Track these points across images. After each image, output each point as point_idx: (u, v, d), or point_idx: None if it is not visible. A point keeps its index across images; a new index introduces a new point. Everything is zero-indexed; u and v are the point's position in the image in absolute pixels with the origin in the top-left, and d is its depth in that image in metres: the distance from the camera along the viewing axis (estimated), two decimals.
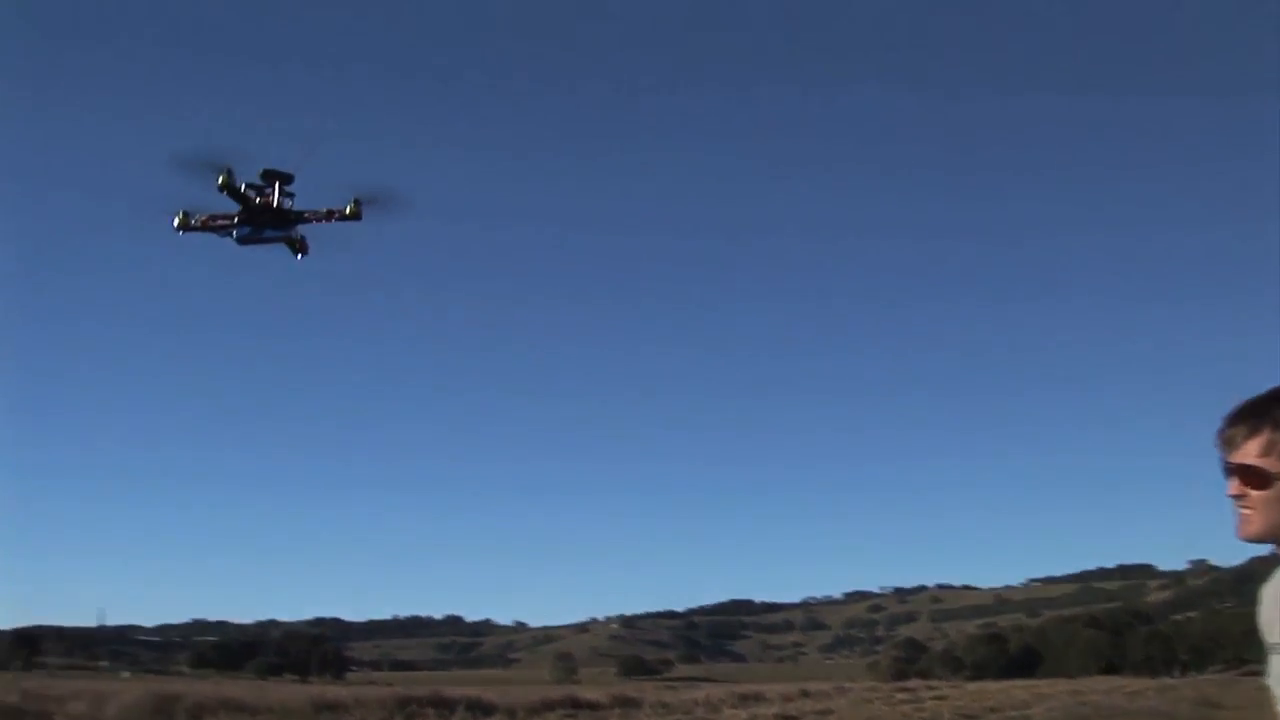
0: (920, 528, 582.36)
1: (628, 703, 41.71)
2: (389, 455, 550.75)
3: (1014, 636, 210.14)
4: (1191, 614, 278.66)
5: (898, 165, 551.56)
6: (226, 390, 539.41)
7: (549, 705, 36.89)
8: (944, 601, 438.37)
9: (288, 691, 40.81)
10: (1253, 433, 3.02)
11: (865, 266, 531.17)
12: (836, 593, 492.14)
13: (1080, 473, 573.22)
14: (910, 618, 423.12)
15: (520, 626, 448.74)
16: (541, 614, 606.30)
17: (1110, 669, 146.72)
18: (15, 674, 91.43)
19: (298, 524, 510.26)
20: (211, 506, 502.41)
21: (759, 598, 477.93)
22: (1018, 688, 69.95)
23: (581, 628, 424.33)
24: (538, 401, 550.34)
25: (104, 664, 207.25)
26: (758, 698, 50.75)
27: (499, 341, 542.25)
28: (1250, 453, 3.01)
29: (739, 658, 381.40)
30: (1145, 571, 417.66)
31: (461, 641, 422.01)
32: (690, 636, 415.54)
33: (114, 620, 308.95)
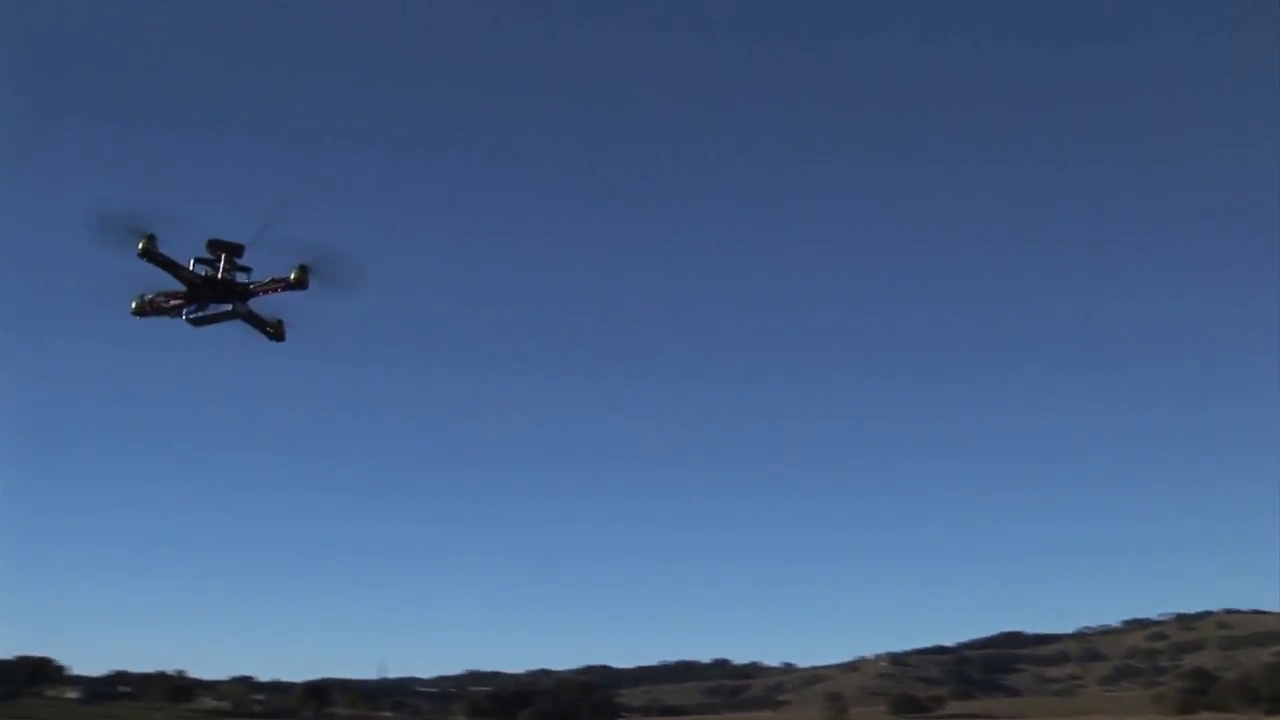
0: (1202, 546, 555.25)
1: None
2: (652, 507, 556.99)
3: None
4: None
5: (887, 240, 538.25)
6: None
7: None
8: (1232, 627, 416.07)
9: None
10: None
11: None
12: (1113, 620, 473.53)
13: None
14: (1196, 646, 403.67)
15: (788, 668, 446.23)
16: (809, 654, 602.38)
17: None
18: None
19: (566, 574, 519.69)
20: (481, 561, 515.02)
21: (1031, 629, 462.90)
22: None
23: (850, 667, 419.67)
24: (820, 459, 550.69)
25: (387, 714, 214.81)
26: None
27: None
28: None
29: (1014, 692, 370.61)
30: None
31: (730, 685, 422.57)
32: (962, 671, 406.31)
33: (394, 673, 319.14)
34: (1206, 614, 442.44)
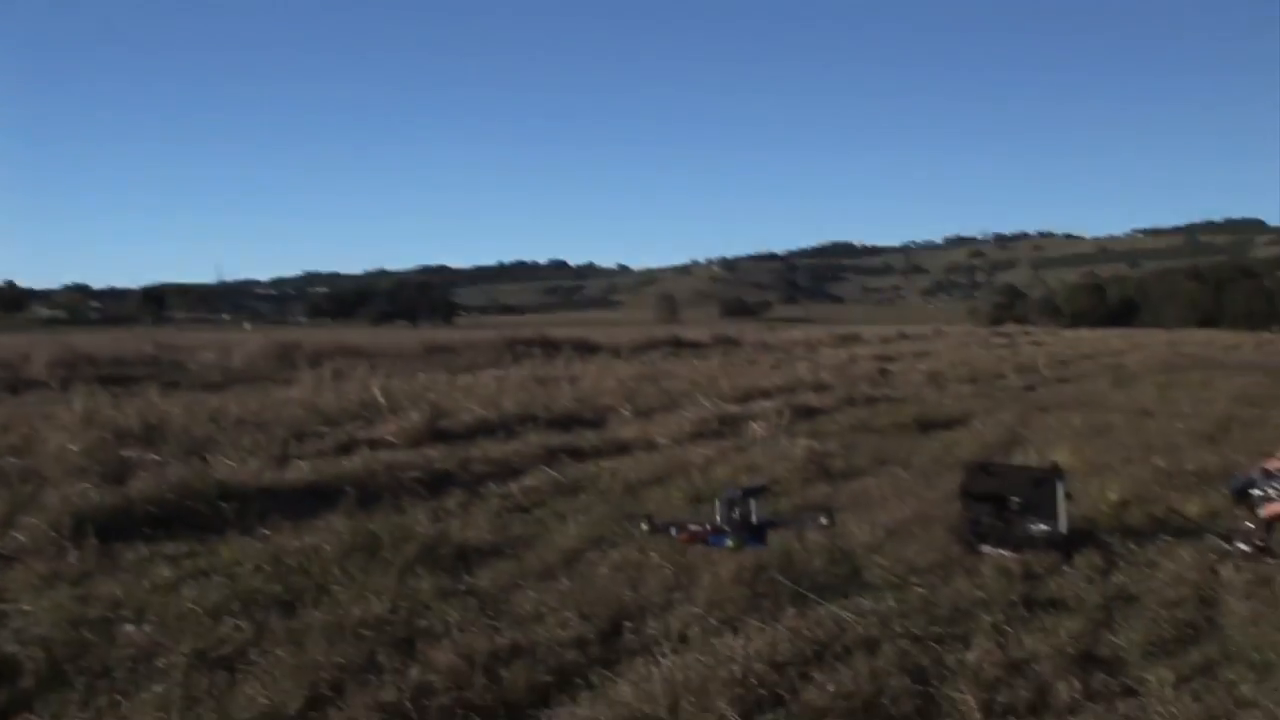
0: (1024, 171, 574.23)
1: (729, 342, 42.96)
2: (489, 99, 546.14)
3: (1114, 287, 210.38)
4: None
5: None
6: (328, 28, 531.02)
7: (652, 344, 38.13)
8: (1045, 249, 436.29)
9: (400, 337, 42.55)
10: None
11: None
12: (937, 237, 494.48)
13: (1193, 120, 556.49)
14: (1010, 264, 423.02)
15: (623, 269, 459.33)
16: (643, 256, 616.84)
17: (1208, 322, 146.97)
18: (147, 328, 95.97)
19: (403, 172, 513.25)
20: (317, 158, 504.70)
21: (859, 240, 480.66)
22: (1115, 337, 70.19)
23: (683, 270, 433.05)
24: (636, 40, 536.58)
25: (225, 317, 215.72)
26: (856, 339, 51.93)
27: None
28: None
29: (838, 300, 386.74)
30: (1254, 226, 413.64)
31: (566, 285, 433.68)
32: (790, 279, 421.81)
33: (232, 276, 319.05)
34: (1023, 235, 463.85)
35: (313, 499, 9.25)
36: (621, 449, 12.85)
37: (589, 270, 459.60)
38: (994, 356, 35.41)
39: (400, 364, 26.41)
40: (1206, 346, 53.74)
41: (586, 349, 35.00)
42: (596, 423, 15.13)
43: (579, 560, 7.59)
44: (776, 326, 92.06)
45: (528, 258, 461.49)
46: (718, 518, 8.50)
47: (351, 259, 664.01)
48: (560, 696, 5.14)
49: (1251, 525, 7.46)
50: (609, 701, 4.94)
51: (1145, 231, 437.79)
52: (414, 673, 5.21)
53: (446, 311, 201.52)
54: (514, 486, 10.23)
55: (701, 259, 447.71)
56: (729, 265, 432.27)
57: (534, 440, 12.64)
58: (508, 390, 18.55)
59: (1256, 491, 3.91)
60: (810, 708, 4.93)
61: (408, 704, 4.85)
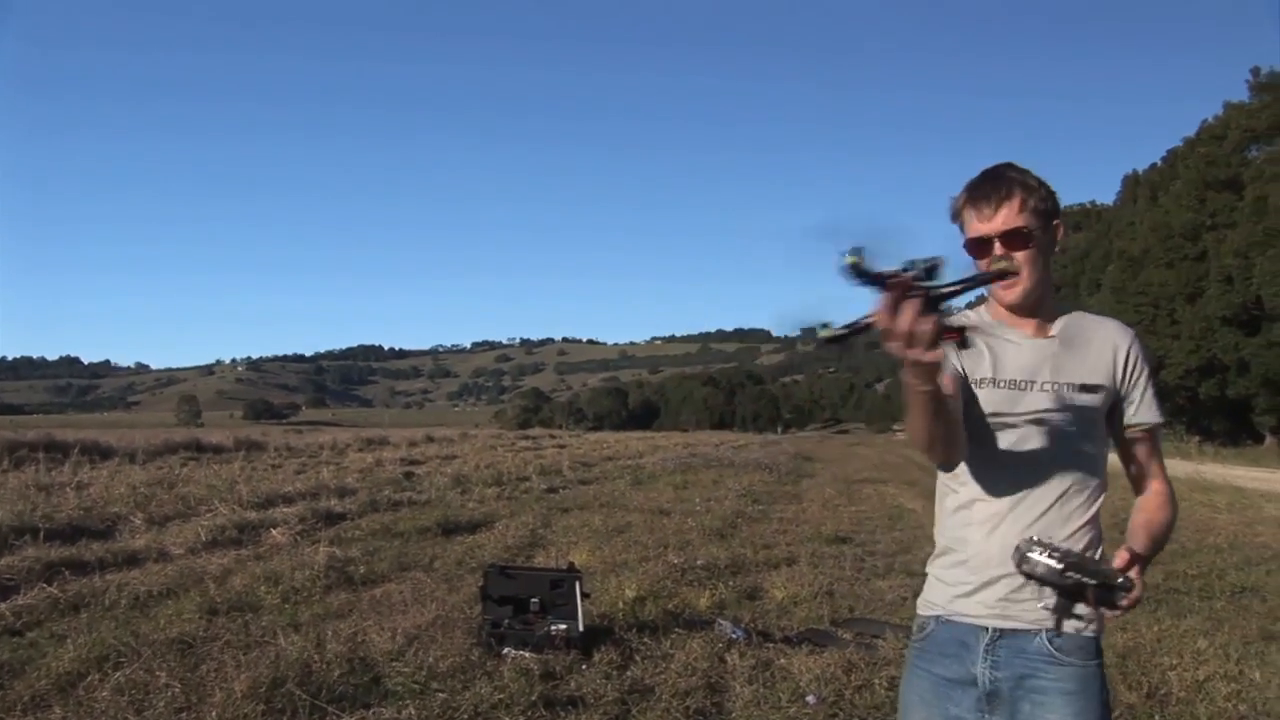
0: (547, 282, 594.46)
1: (253, 446, 41.59)
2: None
3: (634, 391, 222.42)
4: (798, 377, 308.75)
5: None
6: None
7: (171, 448, 36.29)
8: (570, 354, 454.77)
9: None
10: (1004, 200, 3.14)
11: None
12: (465, 342, 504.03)
13: (706, 236, 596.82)
14: (537, 369, 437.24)
15: (142, 368, 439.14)
16: (164, 355, 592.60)
17: (721, 424, 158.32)
18: None
19: None
20: None
21: (388, 344, 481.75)
22: (635, 439, 73.52)
23: (207, 370, 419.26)
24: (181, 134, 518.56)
25: None
26: (383, 442, 51.63)
27: None
28: (1008, 219, 3.13)
29: (367, 403, 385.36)
30: (760, 336, 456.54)
31: (79, 384, 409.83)
32: (318, 381, 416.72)
33: None
34: (548, 341, 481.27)
35: None
36: (131, 560, 12.19)
37: (104, 369, 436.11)
38: (519, 460, 36.17)
39: None
40: (719, 447, 57.29)
41: (98, 453, 32.98)
42: (105, 533, 14.34)
43: (77, 685, 7.03)
44: (304, 430, 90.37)
45: (35, 353, 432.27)
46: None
47: None
48: None
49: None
50: None
51: (663, 339, 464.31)
52: None
53: None
54: (4, 607, 9.42)
55: (226, 359, 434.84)
56: (255, 366, 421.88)
57: (31, 555, 11.74)
58: (3, 499, 17.26)
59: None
60: None
61: None
